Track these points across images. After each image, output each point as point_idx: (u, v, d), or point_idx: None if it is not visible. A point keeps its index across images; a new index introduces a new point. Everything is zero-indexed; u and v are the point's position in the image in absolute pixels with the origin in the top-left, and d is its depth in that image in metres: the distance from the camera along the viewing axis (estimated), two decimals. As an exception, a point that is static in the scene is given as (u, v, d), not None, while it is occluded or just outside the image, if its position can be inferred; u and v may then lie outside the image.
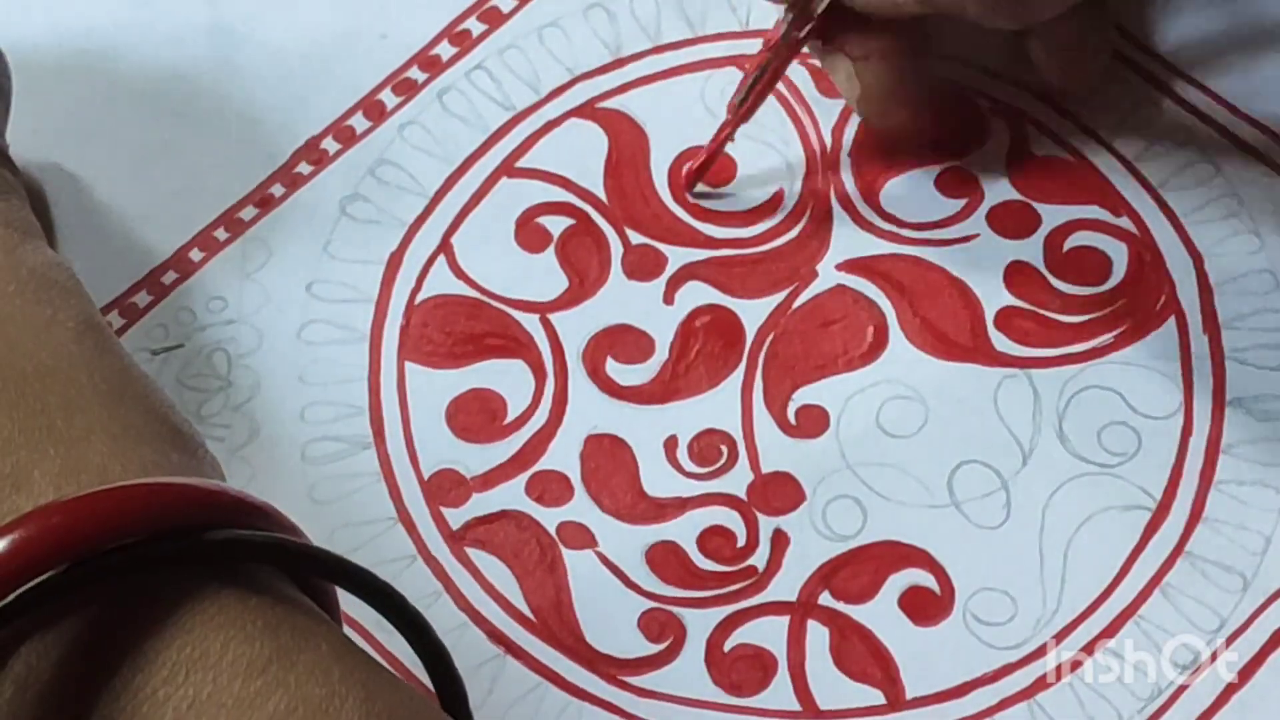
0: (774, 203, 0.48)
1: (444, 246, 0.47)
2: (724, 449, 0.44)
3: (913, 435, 0.44)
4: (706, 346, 0.46)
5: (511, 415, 0.45)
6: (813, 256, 0.47)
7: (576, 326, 0.46)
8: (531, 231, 0.48)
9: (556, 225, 0.48)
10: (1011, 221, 0.47)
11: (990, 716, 0.41)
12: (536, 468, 0.44)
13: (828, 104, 0.49)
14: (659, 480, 0.44)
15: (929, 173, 0.48)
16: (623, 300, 0.46)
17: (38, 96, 0.47)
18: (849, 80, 0.46)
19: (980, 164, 0.48)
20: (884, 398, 0.45)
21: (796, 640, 0.42)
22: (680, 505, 0.44)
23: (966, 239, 0.47)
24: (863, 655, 0.42)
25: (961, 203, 0.47)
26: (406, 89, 0.50)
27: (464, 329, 0.46)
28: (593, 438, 0.45)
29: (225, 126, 0.49)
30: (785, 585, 0.42)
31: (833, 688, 0.41)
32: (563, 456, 0.44)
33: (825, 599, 0.42)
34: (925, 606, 0.42)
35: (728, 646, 0.42)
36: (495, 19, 0.51)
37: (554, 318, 0.46)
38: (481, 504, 0.44)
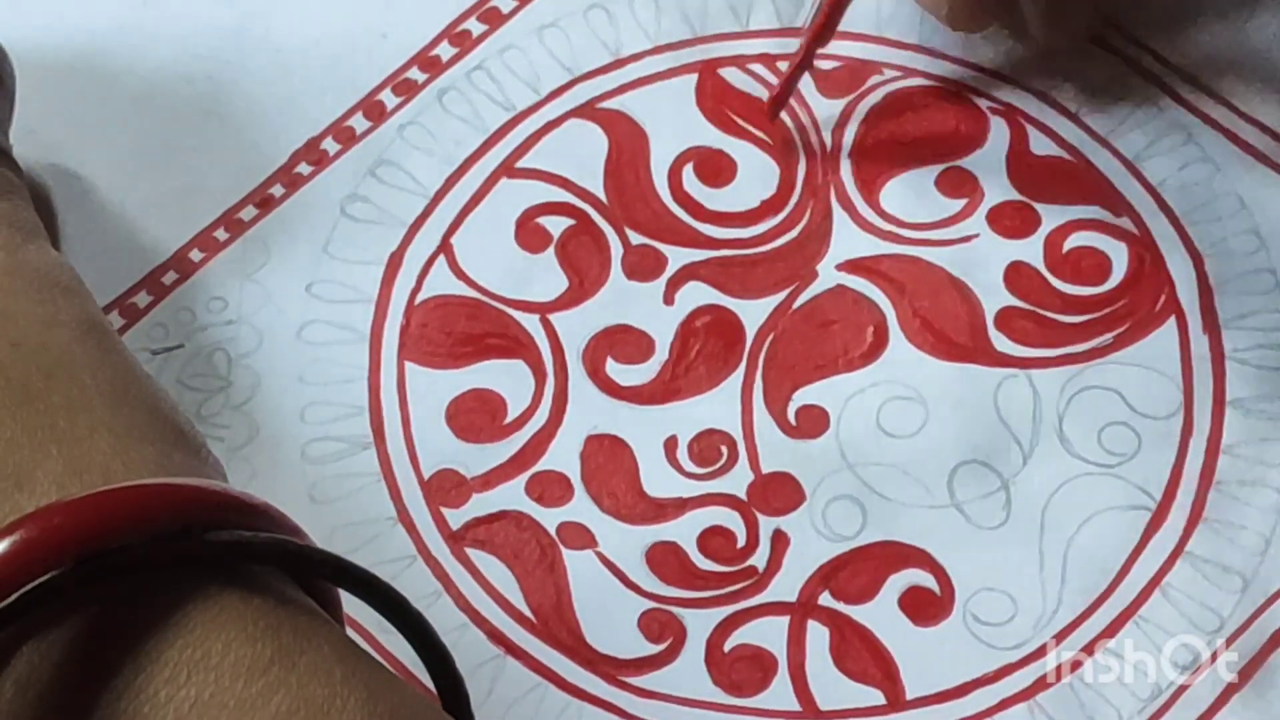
0: (774, 203, 0.48)
1: (444, 247, 0.47)
2: (724, 449, 0.44)
3: (913, 435, 0.44)
4: (706, 347, 0.46)
5: (511, 415, 0.45)
6: (813, 256, 0.47)
7: (576, 327, 0.46)
8: (531, 232, 0.48)
9: (556, 225, 0.48)
10: (1011, 221, 0.47)
11: (990, 716, 0.41)
12: (536, 468, 0.44)
13: (828, 104, 0.49)
14: (659, 480, 0.44)
15: (929, 173, 0.48)
16: (623, 300, 0.46)
17: (39, 97, 0.47)
18: None
19: (980, 164, 0.48)
20: (884, 398, 0.45)
21: (796, 640, 0.42)
22: (680, 505, 0.44)
23: (966, 239, 0.47)
24: (863, 655, 0.42)
25: (961, 203, 0.47)
26: (406, 89, 0.50)
27: (464, 329, 0.46)
28: (593, 438, 0.45)
29: (225, 126, 0.49)
30: (785, 585, 0.43)
31: (833, 688, 0.41)
32: (563, 457, 0.44)
33: (825, 599, 0.42)
34: (925, 606, 0.42)
35: (728, 647, 0.42)
36: (495, 19, 0.51)
37: (554, 318, 0.46)
38: (481, 504, 0.44)
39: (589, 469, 0.44)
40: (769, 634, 0.42)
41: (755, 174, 0.48)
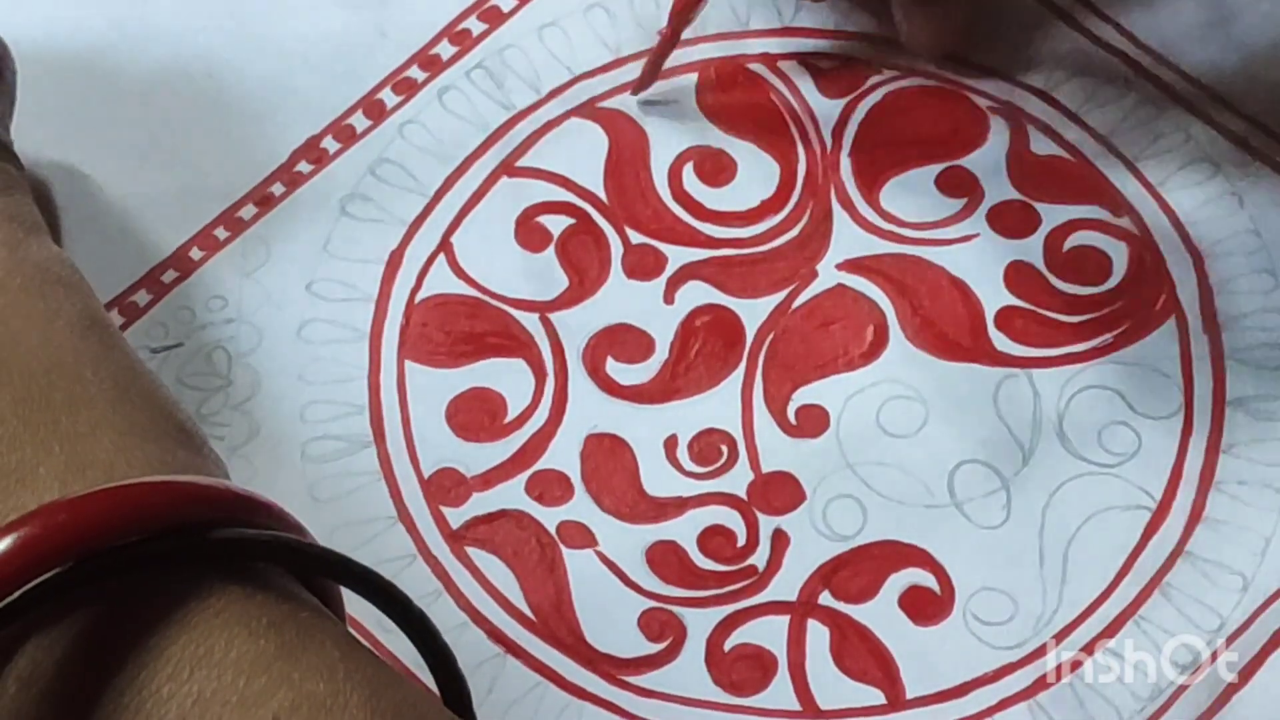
0: (774, 203, 0.48)
1: (444, 245, 0.47)
2: (724, 448, 0.44)
3: (913, 435, 0.44)
4: (706, 346, 0.46)
5: (512, 414, 0.45)
6: (813, 256, 0.47)
7: (577, 326, 0.46)
8: (531, 231, 0.48)
9: (556, 224, 0.48)
10: (1011, 221, 0.47)
11: (990, 716, 0.41)
12: (536, 467, 0.44)
13: (828, 104, 0.49)
14: (659, 480, 0.44)
15: (929, 172, 0.48)
16: (623, 300, 0.46)
17: (39, 94, 0.47)
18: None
19: (980, 164, 0.48)
20: (884, 397, 0.45)
21: (796, 640, 0.42)
22: (680, 505, 0.44)
23: (966, 239, 0.47)
24: (863, 655, 0.42)
25: (961, 203, 0.47)
26: (406, 88, 0.50)
27: (464, 328, 0.46)
28: (593, 437, 0.45)
29: (225, 126, 0.49)
30: (785, 585, 0.43)
31: (833, 687, 0.41)
32: (563, 456, 0.44)
33: (825, 599, 0.42)
34: (925, 606, 0.42)
35: (728, 646, 0.42)
36: (495, 18, 0.51)
37: (554, 317, 0.46)
38: (481, 503, 0.44)
39: (589, 468, 0.44)
40: (769, 633, 0.42)
41: (755, 173, 0.48)
